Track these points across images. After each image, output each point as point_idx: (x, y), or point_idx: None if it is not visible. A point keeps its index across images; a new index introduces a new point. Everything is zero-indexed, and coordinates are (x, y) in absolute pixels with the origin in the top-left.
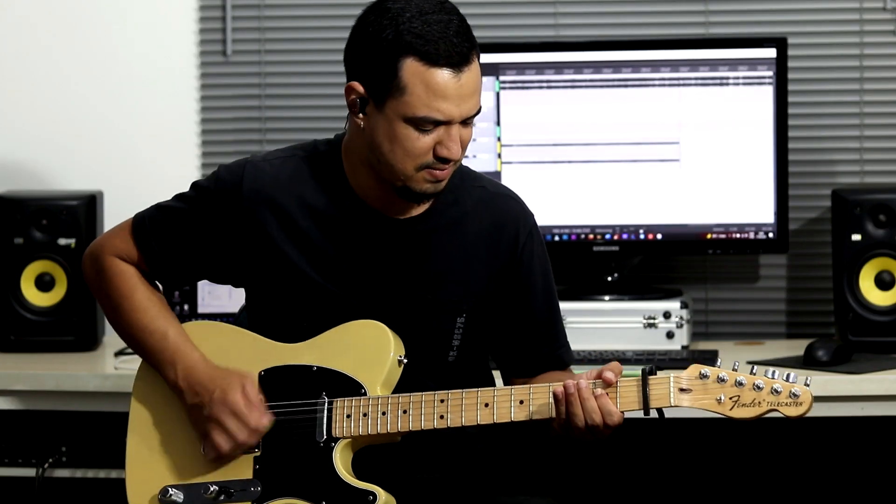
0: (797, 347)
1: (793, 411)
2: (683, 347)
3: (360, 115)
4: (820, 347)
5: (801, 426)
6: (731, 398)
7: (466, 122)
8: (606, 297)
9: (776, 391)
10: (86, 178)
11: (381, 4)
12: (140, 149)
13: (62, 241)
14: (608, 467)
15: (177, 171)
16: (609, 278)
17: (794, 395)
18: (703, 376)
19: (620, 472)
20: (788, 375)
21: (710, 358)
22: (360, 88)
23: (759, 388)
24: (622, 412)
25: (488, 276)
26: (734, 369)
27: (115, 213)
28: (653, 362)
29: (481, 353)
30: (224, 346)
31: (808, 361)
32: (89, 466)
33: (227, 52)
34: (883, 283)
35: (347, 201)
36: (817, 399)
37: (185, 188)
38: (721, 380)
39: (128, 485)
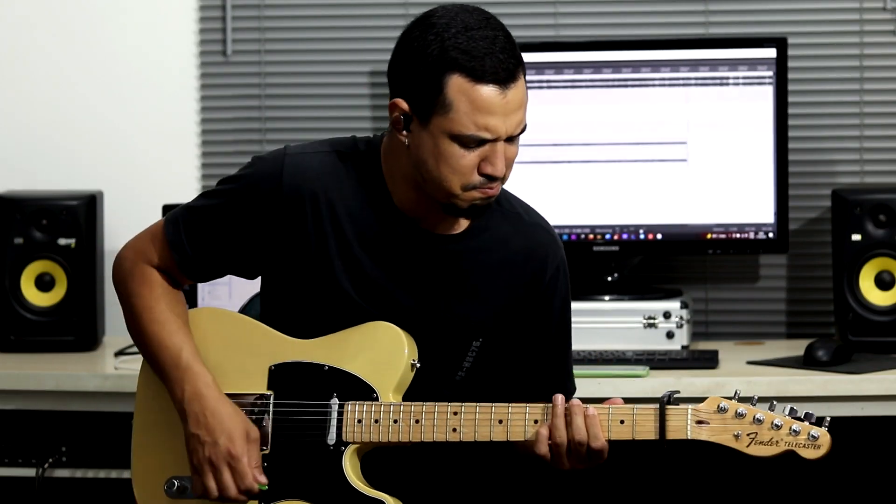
0: (797, 347)
1: (810, 454)
2: (683, 347)
3: (404, 132)
4: (820, 347)
5: None
6: (748, 435)
7: (512, 139)
8: (606, 297)
9: (795, 432)
10: (86, 178)
11: (426, 20)
12: (140, 149)
13: (62, 241)
14: (611, 478)
15: (177, 171)
16: (609, 278)
17: (813, 437)
18: (721, 410)
19: (622, 483)
20: (808, 414)
21: (710, 358)
22: (405, 105)
23: (777, 426)
24: (609, 441)
25: (510, 304)
26: (753, 404)
27: (115, 213)
28: (653, 362)
29: (491, 378)
30: (235, 335)
31: (808, 361)
32: (89, 466)
33: (227, 52)
34: (883, 283)
35: (383, 207)
36: (817, 399)
37: (185, 188)
38: (739, 415)
39: (133, 475)
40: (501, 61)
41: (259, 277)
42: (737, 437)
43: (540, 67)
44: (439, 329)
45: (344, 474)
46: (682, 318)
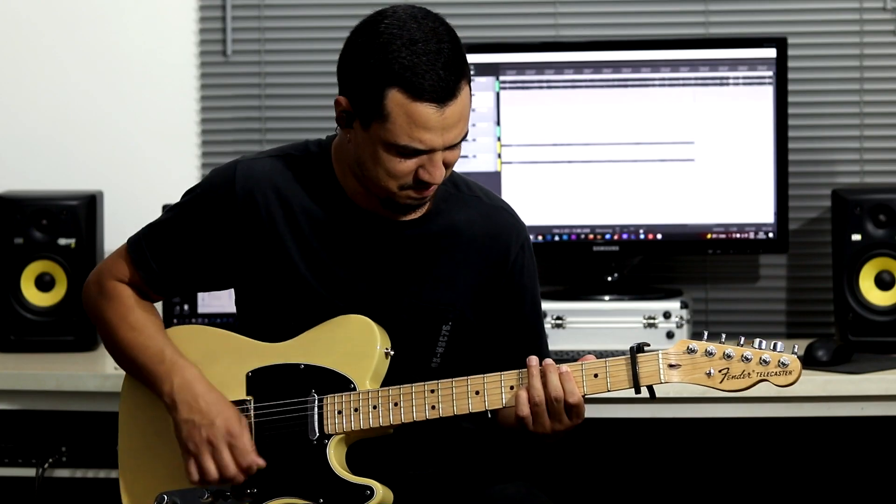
0: (797, 347)
1: (782, 380)
2: None
3: (347, 129)
4: (820, 347)
5: (801, 426)
6: (720, 371)
7: (451, 147)
8: (606, 297)
9: (765, 361)
10: (86, 178)
11: (373, 25)
12: (140, 149)
13: (62, 241)
14: (597, 460)
15: (177, 171)
16: (609, 278)
17: (783, 364)
18: (690, 351)
19: (611, 466)
20: (776, 345)
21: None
22: (347, 104)
23: (747, 359)
24: (585, 396)
25: (477, 287)
26: (721, 342)
27: (115, 213)
28: None
29: (467, 362)
30: (210, 348)
31: (808, 361)
32: (89, 466)
33: (227, 52)
34: (883, 283)
35: (338, 202)
36: (817, 399)
37: (186, 188)
38: (709, 353)
39: (122, 493)
40: (441, 79)
41: (228, 287)
42: (709, 374)
43: (540, 67)
44: (407, 316)
45: (329, 466)
46: (682, 318)
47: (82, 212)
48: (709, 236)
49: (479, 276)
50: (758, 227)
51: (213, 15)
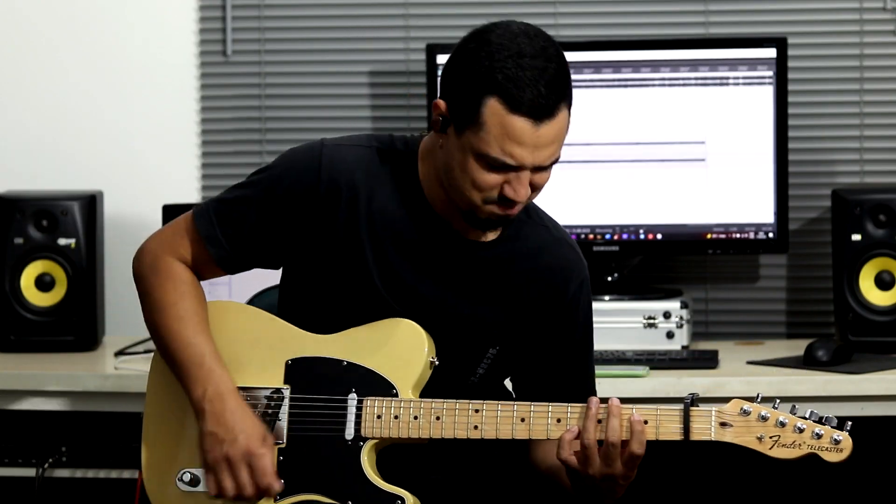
0: (797, 347)
1: (833, 457)
2: (683, 347)
3: (441, 133)
4: (820, 347)
5: None
6: (771, 437)
7: (541, 168)
8: (606, 297)
9: (818, 435)
10: (86, 178)
11: (485, 34)
12: (140, 149)
13: (62, 241)
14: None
15: (177, 172)
16: (609, 278)
17: (836, 440)
18: (744, 412)
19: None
20: (828, 419)
21: (710, 358)
22: (445, 109)
23: (800, 430)
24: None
25: (531, 317)
26: (775, 407)
27: (115, 213)
28: (653, 362)
29: (501, 380)
30: (251, 329)
31: (808, 361)
32: (89, 466)
33: (227, 52)
34: (883, 283)
35: (417, 206)
36: (817, 399)
37: (185, 188)
38: (763, 418)
39: (143, 467)
40: (542, 95)
41: (264, 270)
42: (760, 439)
43: None
44: (457, 330)
45: (362, 470)
46: (682, 318)
47: (82, 212)
48: (709, 236)
49: (536, 306)
50: (758, 227)
51: (213, 15)
